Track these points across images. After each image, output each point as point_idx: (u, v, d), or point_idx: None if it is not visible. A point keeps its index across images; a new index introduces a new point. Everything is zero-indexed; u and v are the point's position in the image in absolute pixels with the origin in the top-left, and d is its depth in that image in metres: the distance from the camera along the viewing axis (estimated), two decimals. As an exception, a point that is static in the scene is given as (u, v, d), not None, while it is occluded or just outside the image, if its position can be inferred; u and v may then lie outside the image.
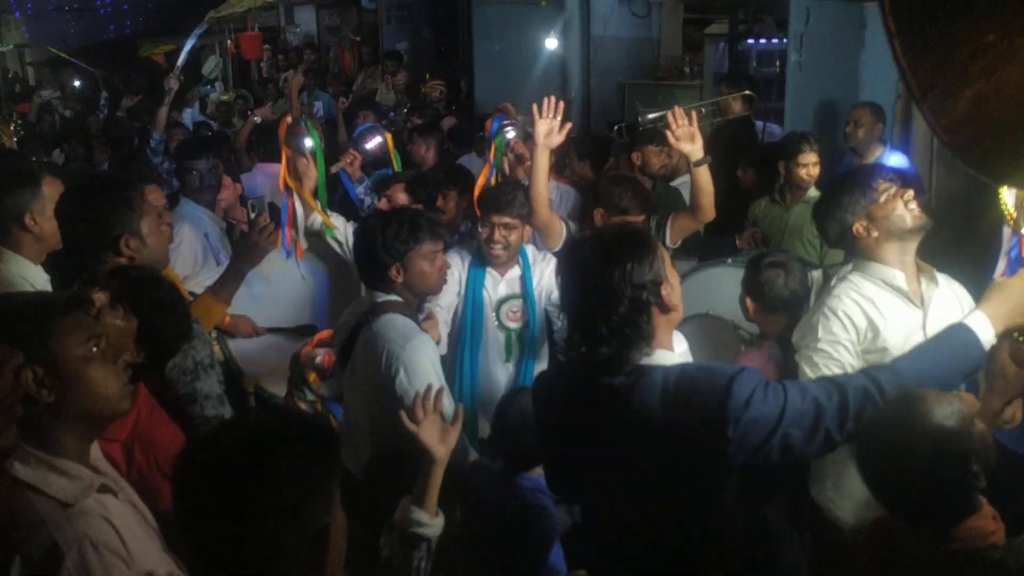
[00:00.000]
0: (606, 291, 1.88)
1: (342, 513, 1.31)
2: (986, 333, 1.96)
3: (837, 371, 2.48)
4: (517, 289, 3.55)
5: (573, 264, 2.02)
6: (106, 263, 2.47)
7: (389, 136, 5.57)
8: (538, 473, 2.48)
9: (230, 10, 14.40)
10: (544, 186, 3.51)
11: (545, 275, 3.59)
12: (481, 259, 3.54)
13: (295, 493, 1.22)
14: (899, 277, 2.60)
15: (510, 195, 3.48)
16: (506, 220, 3.43)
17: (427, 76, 8.71)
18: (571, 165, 5.48)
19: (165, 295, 2.28)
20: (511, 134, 4.49)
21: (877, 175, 2.64)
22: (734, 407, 1.77)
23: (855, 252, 2.69)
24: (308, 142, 3.87)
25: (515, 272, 3.56)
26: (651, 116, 4.79)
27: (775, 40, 8.21)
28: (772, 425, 1.79)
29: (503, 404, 2.70)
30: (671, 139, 3.46)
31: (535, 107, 3.51)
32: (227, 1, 15.24)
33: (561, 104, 3.52)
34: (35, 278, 2.78)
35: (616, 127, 5.78)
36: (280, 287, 4.02)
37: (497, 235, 3.44)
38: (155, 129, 6.18)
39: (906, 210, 2.56)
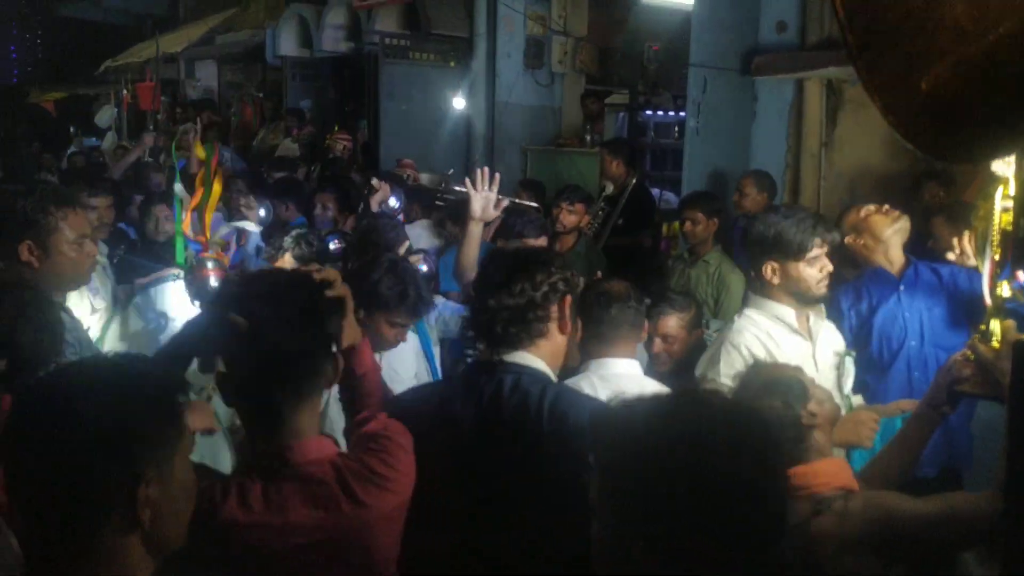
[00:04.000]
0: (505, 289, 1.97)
1: (183, 476, 1.26)
2: None
3: None
4: None
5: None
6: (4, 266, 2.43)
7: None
8: None
9: (128, 59, 14.14)
10: (475, 254, 3.40)
11: None
12: None
13: (113, 438, 1.17)
14: (790, 315, 2.78)
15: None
16: None
17: (336, 127, 8.73)
18: (606, 166, 6.27)
19: (27, 302, 2.12)
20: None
21: (820, 235, 2.70)
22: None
23: (754, 285, 2.86)
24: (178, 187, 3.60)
25: None
26: None
27: (671, 112, 8.59)
28: None
29: None
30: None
31: (468, 181, 3.40)
32: (126, 51, 14.98)
33: (497, 176, 3.41)
34: None
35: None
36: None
37: None
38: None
39: (818, 283, 2.72)
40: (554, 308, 1.99)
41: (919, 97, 0.87)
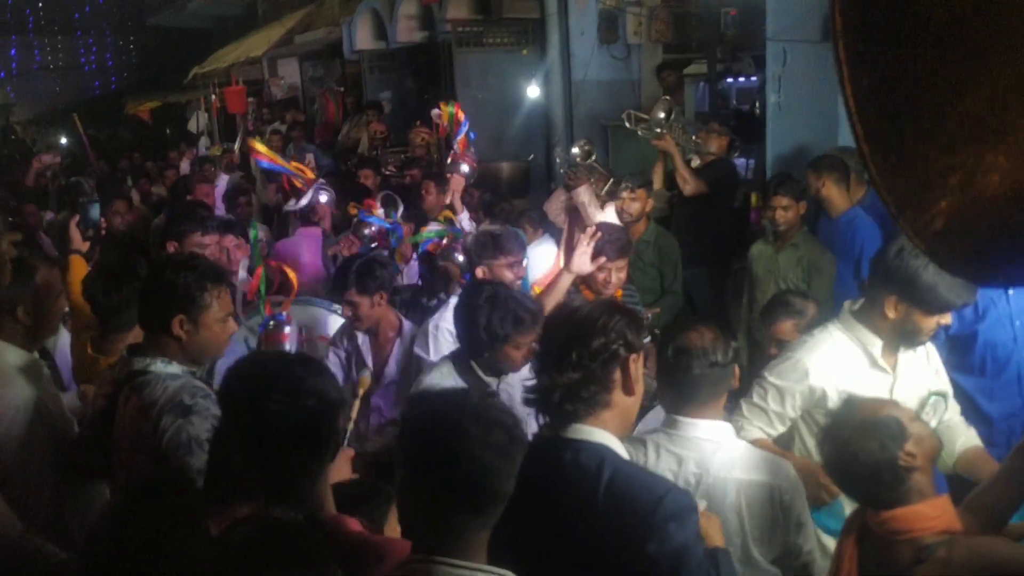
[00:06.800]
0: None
1: None
2: None
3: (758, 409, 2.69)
4: None
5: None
6: None
7: None
8: None
9: (214, 65, 14.53)
10: (559, 301, 3.42)
11: None
12: None
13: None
14: (877, 346, 2.63)
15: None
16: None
17: (417, 123, 8.76)
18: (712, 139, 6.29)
19: None
20: None
21: (966, 299, 2.56)
22: (661, 519, 1.77)
23: (863, 304, 2.69)
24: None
25: None
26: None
27: (754, 78, 8.30)
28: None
29: None
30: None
31: (580, 234, 3.56)
32: (211, 56, 15.39)
33: (599, 234, 3.51)
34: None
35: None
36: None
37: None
38: None
39: (927, 334, 2.60)
40: (615, 374, 1.89)
41: (964, 243, 0.80)
